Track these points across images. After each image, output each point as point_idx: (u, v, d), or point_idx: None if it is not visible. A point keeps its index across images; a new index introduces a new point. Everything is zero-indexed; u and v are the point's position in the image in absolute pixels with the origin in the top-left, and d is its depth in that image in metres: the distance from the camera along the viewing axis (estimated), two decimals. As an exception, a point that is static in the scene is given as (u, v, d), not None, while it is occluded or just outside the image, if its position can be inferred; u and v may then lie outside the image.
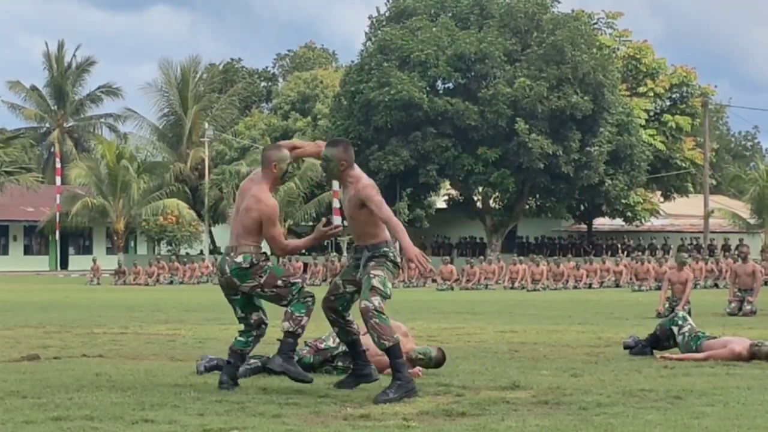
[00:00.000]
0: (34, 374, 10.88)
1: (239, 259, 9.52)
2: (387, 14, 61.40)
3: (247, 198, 9.63)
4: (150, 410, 8.27)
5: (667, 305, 21.77)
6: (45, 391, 9.39)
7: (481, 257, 49.15)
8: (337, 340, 10.31)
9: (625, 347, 13.32)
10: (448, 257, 49.13)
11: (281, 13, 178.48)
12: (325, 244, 65.36)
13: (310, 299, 9.59)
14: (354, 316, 9.74)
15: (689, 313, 21.04)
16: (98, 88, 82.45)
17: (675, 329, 12.94)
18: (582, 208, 64.17)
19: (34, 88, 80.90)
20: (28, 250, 73.28)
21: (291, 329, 9.47)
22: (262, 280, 9.53)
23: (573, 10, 60.84)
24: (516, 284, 42.12)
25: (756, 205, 58.49)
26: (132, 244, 73.42)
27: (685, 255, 25.57)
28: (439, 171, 56.16)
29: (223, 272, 9.61)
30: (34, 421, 7.82)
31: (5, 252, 71.83)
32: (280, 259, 53.40)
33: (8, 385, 9.88)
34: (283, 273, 9.71)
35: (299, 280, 9.77)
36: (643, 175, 59.93)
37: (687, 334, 12.86)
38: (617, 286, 42.57)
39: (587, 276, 42.84)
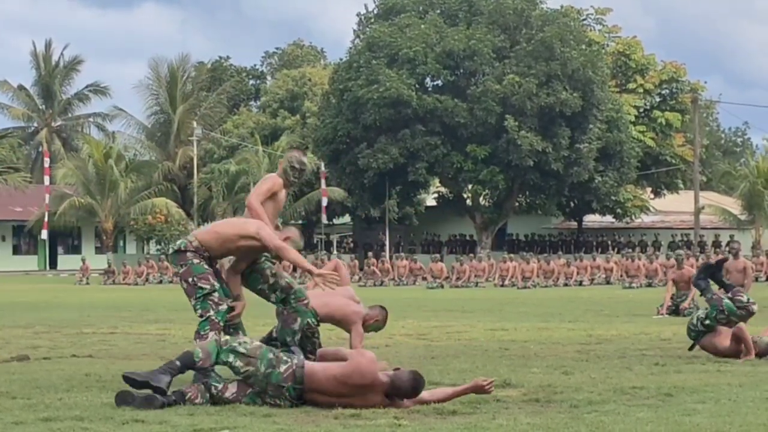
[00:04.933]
0: (23, 375, 10.85)
1: (180, 242, 10.03)
2: (375, 11, 61.40)
3: None
4: (140, 410, 8.24)
5: (670, 304, 22.02)
6: (35, 392, 9.36)
7: (471, 255, 49.12)
8: None
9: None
10: (438, 255, 49.12)
11: (270, 11, 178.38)
12: (315, 242, 65.42)
13: (209, 305, 9.66)
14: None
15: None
16: (86, 87, 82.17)
17: (698, 323, 12.72)
18: (572, 205, 64.18)
19: (21, 88, 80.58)
20: (16, 250, 73.09)
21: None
22: (181, 270, 9.85)
23: (562, 7, 60.85)
24: (506, 282, 42.09)
25: (746, 201, 58.56)
26: (121, 243, 73.25)
27: (682, 252, 25.73)
28: (429, 169, 56.11)
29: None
30: (24, 422, 7.79)
31: (-6, 252, 71.70)
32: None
33: (-3, 386, 9.85)
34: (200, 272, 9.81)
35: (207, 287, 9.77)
36: (633, 172, 59.98)
37: (704, 317, 12.71)
38: (608, 283, 42.55)
39: (578, 273, 42.82)
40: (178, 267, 9.90)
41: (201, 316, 9.69)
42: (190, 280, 9.72)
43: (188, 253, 9.77)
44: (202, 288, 9.69)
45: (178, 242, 9.98)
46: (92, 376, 10.55)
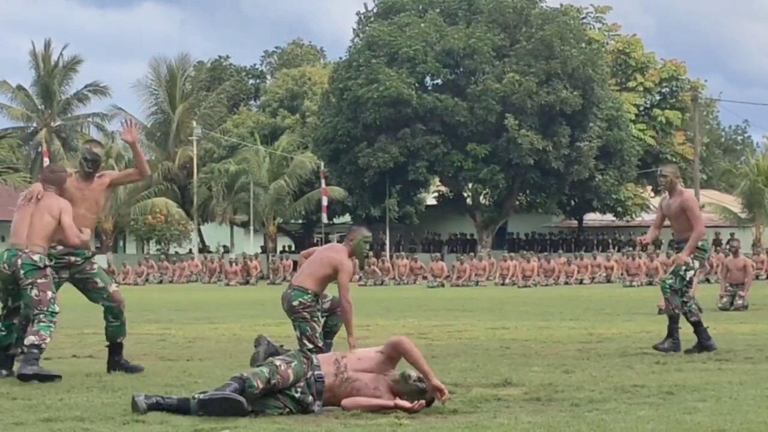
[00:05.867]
0: (23, 375, 10.82)
1: (36, 257, 10.42)
2: (375, 10, 61.39)
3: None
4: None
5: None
6: (35, 393, 9.34)
7: (472, 254, 49.17)
8: None
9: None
10: (438, 254, 49.13)
11: (270, 11, 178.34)
12: (315, 240, 65.38)
13: (53, 324, 10.42)
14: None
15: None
16: (85, 86, 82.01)
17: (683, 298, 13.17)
18: (572, 203, 64.16)
19: (20, 88, 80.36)
20: (16, 251, 73.02)
21: (36, 342, 10.23)
22: (39, 282, 10.36)
23: (561, 5, 60.86)
24: (507, 281, 42.12)
25: (746, 199, 58.45)
26: (121, 243, 73.24)
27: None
28: (429, 168, 56.09)
29: (11, 265, 10.39)
30: (25, 423, 7.78)
31: (-6, 252, 71.56)
32: (279, 259, 53.33)
33: (-2, 386, 9.82)
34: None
35: (57, 307, 10.51)
36: (634, 170, 59.99)
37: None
38: (608, 281, 42.60)
39: (578, 272, 42.86)
40: (37, 278, 10.39)
41: (42, 323, 10.29)
42: (49, 293, 10.40)
43: (47, 269, 10.49)
44: (53, 303, 10.41)
45: (36, 257, 10.42)
46: (93, 377, 10.54)
